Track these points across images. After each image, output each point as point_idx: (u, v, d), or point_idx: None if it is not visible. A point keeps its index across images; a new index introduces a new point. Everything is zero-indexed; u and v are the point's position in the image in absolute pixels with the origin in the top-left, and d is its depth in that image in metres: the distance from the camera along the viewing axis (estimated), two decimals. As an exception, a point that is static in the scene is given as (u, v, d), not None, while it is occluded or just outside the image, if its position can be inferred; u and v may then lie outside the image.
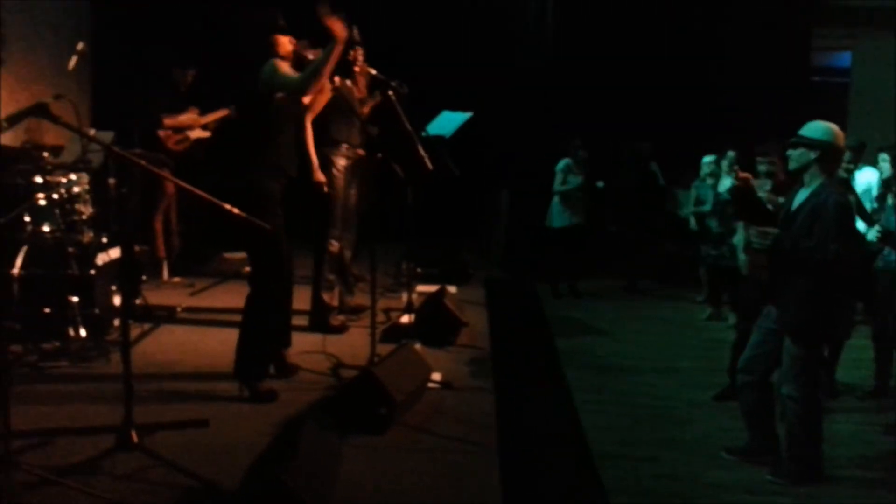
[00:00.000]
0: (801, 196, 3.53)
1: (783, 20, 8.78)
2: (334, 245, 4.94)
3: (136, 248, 5.03)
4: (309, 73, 3.65)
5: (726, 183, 6.38)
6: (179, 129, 6.06)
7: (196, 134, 6.12)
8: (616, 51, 8.59)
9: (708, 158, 7.01)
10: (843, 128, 3.60)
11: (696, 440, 4.14)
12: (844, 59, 10.08)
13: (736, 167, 3.85)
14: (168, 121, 6.01)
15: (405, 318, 4.94)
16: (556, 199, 7.54)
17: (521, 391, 4.44)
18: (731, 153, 6.67)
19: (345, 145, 4.95)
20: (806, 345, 3.48)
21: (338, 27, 3.56)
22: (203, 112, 6.12)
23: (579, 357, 5.57)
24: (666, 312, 7.20)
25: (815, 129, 3.53)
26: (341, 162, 4.93)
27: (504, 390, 4.13)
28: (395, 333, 4.77)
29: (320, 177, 4.69)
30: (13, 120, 2.66)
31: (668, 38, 8.88)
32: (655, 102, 8.52)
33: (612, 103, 8.38)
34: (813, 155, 3.48)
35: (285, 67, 3.75)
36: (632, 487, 3.56)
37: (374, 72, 4.76)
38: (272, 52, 3.79)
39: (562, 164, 7.52)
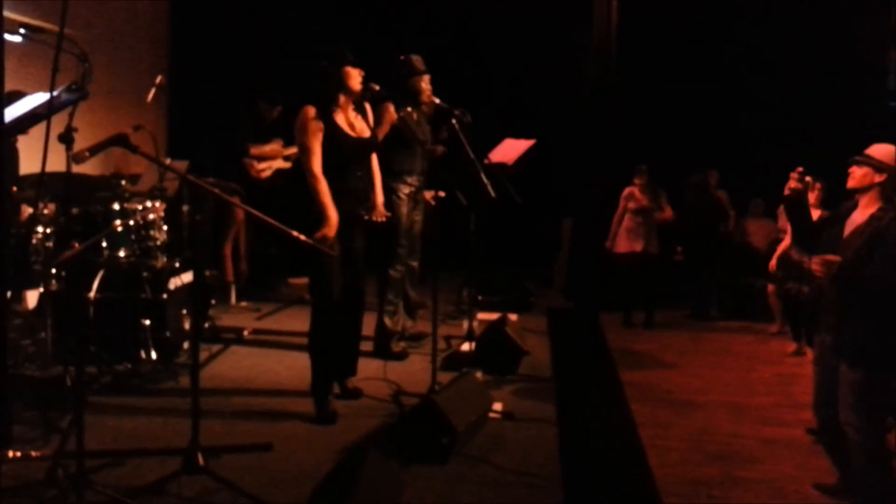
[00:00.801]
0: (857, 219, 3.42)
1: (860, 43, 8.50)
2: (398, 271, 4.98)
3: (206, 272, 5.17)
4: (313, 184, 3.73)
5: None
6: (263, 159, 6.27)
7: (278, 164, 6.32)
8: (682, 76, 8.47)
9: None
10: None
11: (769, 480, 3.95)
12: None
13: (794, 175, 3.67)
14: (254, 150, 6.23)
15: (466, 346, 4.91)
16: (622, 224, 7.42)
17: (584, 424, 4.34)
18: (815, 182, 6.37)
19: (407, 174, 5.00)
20: (866, 369, 3.33)
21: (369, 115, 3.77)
22: (287, 144, 6.31)
23: (645, 390, 5.41)
24: (737, 346, 6.95)
25: (885, 151, 3.40)
26: (404, 190, 4.97)
27: (567, 422, 4.05)
28: (456, 361, 4.74)
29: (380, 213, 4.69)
30: (95, 150, 2.77)
31: (738, 61, 8.69)
32: (725, 129, 8.34)
33: (679, 130, 8.25)
34: (878, 178, 3.37)
35: (309, 130, 3.78)
36: (700, 528, 3.42)
37: (437, 100, 4.81)
38: (342, 85, 3.87)
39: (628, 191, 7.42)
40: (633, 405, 5.01)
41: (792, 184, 3.53)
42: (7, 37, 1.94)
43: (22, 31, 2.55)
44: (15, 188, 4.02)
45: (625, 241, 7.33)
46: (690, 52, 8.62)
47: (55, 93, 1.98)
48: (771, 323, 7.24)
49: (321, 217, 3.72)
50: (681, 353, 6.55)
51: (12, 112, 1.85)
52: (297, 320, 5.74)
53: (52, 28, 2.35)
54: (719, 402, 5.25)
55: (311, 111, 3.79)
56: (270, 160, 6.31)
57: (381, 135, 4.67)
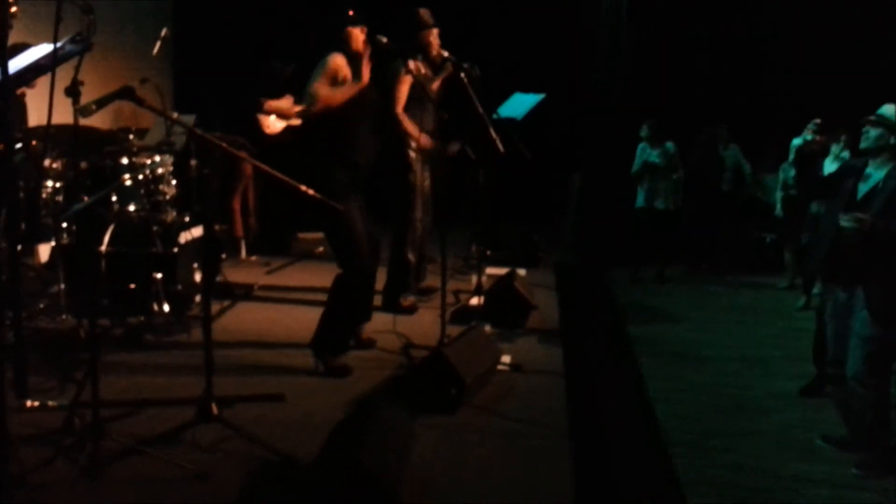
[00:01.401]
0: (876, 177, 3.40)
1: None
2: (410, 227, 4.97)
3: (216, 227, 5.19)
4: (317, 98, 3.74)
5: (830, 166, 6.08)
6: (280, 115, 6.22)
7: (291, 121, 6.27)
8: (695, 28, 8.31)
9: (798, 141, 6.72)
10: None
11: (777, 432, 4.01)
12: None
13: (812, 128, 3.63)
14: (268, 104, 6.18)
15: (474, 301, 4.94)
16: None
17: (592, 377, 4.39)
18: (843, 137, 6.29)
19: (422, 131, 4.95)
20: (884, 325, 3.35)
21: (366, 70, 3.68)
22: (298, 101, 6.24)
23: (654, 345, 5.45)
24: (747, 300, 6.97)
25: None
26: (415, 145, 4.94)
27: (574, 375, 4.09)
28: (465, 315, 4.77)
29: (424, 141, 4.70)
30: (101, 103, 2.76)
31: (753, 13, 8.49)
32: (739, 83, 8.21)
33: (691, 83, 8.13)
34: (893, 140, 3.36)
35: (336, 67, 3.77)
36: (707, 479, 3.48)
37: (446, 54, 4.74)
38: (345, 46, 3.83)
39: (639, 148, 7.36)
40: (641, 359, 5.06)
41: (809, 136, 3.51)
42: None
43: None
44: (35, 142, 4.01)
45: (644, 197, 7.30)
46: (705, 3, 8.43)
47: (59, 44, 1.96)
48: (780, 277, 7.24)
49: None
50: (689, 307, 6.59)
51: (16, 64, 1.83)
52: (307, 275, 5.78)
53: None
54: (728, 355, 5.30)
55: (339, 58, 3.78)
56: (284, 117, 6.26)
57: (401, 98, 4.64)
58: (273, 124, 6.21)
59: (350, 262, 3.81)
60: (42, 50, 1.88)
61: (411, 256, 5.00)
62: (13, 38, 1.89)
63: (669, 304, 6.66)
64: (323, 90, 3.74)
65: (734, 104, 8.21)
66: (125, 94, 2.68)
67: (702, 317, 6.32)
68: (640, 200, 7.44)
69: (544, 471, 2.94)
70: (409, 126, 4.76)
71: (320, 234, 6.08)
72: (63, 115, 3.74)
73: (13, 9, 2.23)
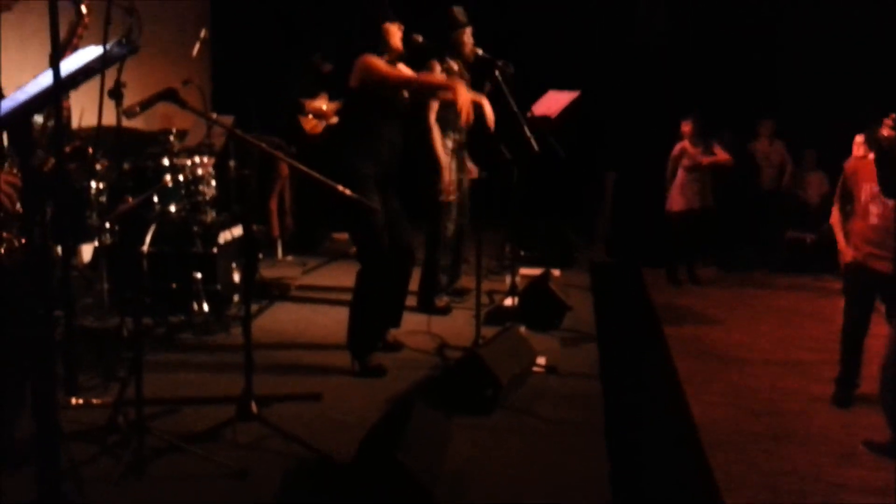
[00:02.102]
0: None
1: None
2: (445, 228, 4.98)
3: (254, 227, 5.26)
4: (412, 82, 3.82)
5: None
6: (317, 115, 6.29)
7: (330, 120, 6.34)
8: (734, 24, 8.16)
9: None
10: None
11: (817, 436, 3.92)
12: None
13: (888, 122, 3.50)
14: (309, 104, 6.25)
15: (508, 301, 4.93)
16: (675, 180, 7.28)
17: (627, 378, 4.35)
18: None
19: (451, 130, 4.96)
20: None
21: (457, 91, 3.78)
22: (333, 98, 6.32)
23: (690, 346, 5.37)
24: (787, 301, 6.84)
25: None
26: (448, 145, 4.94)
27: (610, 377, 4.06)
28: (499, 316, 4.77)
29: (445, 178, 4.73)
30: (145, 105, 2.82)
31: (792, 10, 8.32)
32: (779, 78, 8.05)
33: (730, 80, 8.00)
34: None
35: (379, 62, 3.78)
36: (744, 482, 3.42)
37: (480, 51, 4.74)
38: (382, 42, 3.84)
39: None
40: (677, 360, 4.99)
41: (885, 131, 3.40)
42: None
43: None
44: (91, 149, 4.11)
45: (680, 199, 7.18)
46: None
47: (108, 46, 2.01)
48: (818, 277, 7.09)
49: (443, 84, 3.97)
50: (726, 308, 6.48)
51: (67, 67, 1.88)
52: (343, 275, 5.81)
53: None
54: (765, 358, 5.20)
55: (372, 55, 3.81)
56: (322, 117, 6.33)
57: (434, 105, 4.65)
58: (312, 122, 6.27)
59: (368, 258, 3.83)
60: (91, 53, 1.92)
61: (442, 257, 5.01)
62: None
63: (706, 305, 6.56)
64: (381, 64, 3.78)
65: (777, 101, 8.06)
66: (168, 95, 2.73)
67: (740, 318, 6.22)
68: (676, 201, 7.33)
69: (581, 472, 2.93)
70: (438, 145, 4.74)
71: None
72: (105, 117, 3.83)
73: (84, 17, 2.27)
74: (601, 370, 4.10)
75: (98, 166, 4.51)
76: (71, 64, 1.91)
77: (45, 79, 1.87)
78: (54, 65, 1.70)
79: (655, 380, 4.66)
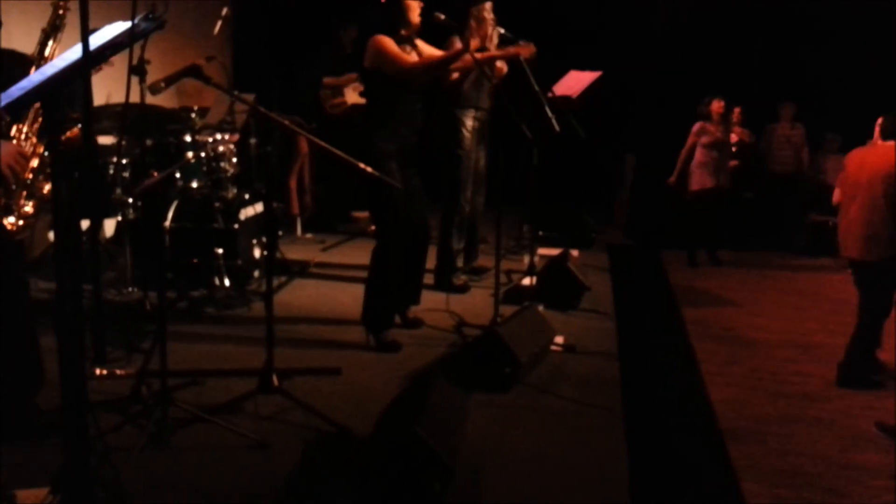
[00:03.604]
0: None
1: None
2: (463, 206, 4.99)
3: (274, 204, 5.29)
4: (421, 69, 3.78)
5: None
6: (337, 93, 6.29)
7: (353, 99, 6.34)
8: (754, 7, 8.03)
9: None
10: None
11: (835, 419, 3.91)
12: None
13: None
14: (328, 80, 6.25)
15: (527, 281, 4.94)
16: (693, 160, 7.21)
17: (645, 359, 4.36)
18: None
19: (474, 108, 4.95)
20: None
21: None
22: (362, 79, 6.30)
23: (708, 328, 5.36)
24: (805, 284, 6.79)
25: None
26: (469, 123, 4.94)
27: (628, 357, 4.07)
28: (517, 295, 4.78)
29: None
30: (170, 81, 2.84)
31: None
32: (798, 62, 7.93)
33: (750, 63, 7.89)
34: None
35: (390, 46, 3.77)
36: (761, 464, 3.43)
37: (502, 30, 4.71)
38: (401, 18, 3.83)
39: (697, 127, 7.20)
40: (695, 342, 4.99)
41: None
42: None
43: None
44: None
45: (698, 177, 7.12)
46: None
47: (135, 20, 2.03)
48: (839, 260, 7.03)
49: (446, 61, 3.94)
50: (745, 290, 6.45)
51: (95, 41, 1.90)
52: (361, 253, 5.83)
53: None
54: (783, 340, 5.19)
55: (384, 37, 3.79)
56: (344, 96, 6.33)
57: (453, 74, 4.62)
58: (347, 98, 6.24)
59: (385, 232, 3.86)
60: (118, 27, 1.94)
61: (458, 236, 5.02)
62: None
63: (725, 288, 6.53)
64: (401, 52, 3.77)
65: (797, 83, 7.94)
66: (192, 72, 2.75)
67: (759, 300, 6.19)
68: (695, 181, 7.26)
69: (598, 451, 2.95)
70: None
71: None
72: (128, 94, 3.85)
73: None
74: (619, 350, 4.10)
75: (122, 142, 4.55)
76: (99, 38, 1.93)
77: (73, 53, 1.89)
78: (84, 38, 1.72)
79: (673, 361, 4.66)
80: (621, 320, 4.71)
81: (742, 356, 4.85)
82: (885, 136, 4.22)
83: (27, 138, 2.43)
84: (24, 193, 2.35)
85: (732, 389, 4.26)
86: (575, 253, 5.59)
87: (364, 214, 6.80)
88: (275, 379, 3.08)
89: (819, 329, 5.47)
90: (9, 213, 2.32)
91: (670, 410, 3.91)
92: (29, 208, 2.39)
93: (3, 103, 1.80)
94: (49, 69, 1.89)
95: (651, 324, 5.31)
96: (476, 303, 4.75)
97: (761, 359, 4.81)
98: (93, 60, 1.89)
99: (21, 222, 2.37)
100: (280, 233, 5.58)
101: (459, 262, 5.16)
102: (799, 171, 8.02)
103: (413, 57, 3.86)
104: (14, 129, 2.42)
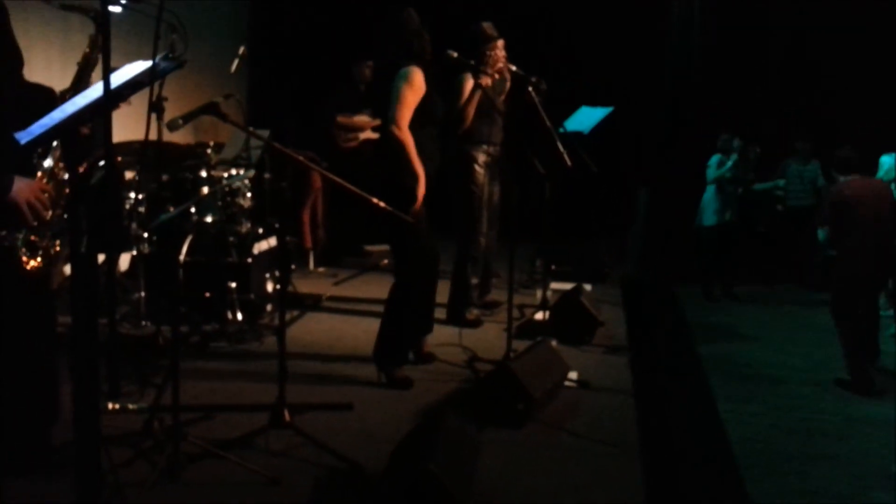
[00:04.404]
0: None
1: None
2: (477, 241, 4.99)
3: (287, 238, 5.32)
4: (405, 153, 3.72)
5: None
6: (351, 129, 6.37)
7: (366, 135, 6.42)
8: (769, 40, 8.09)
9: (888, 158, 6.25)
10: None
11: (854, 458, 3.84)
12: None
13: None
14: (341, 119, 6.33)
15: (539, 315, 4.92)
16: (707, 194, 7.21)
17: (661, 395, 4.30)
18: None
19: (485, 143, 4.98)
20: None
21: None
22: (376, 115, 6.38)
23: (723, 364, 5.31)
24: (821, 320, 6.71)
25: None
26: (482, 159, 4.96)
27: (643, 393, 4.02)
28: (530, 330, 4.76)
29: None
30: (188, 118, 2.88)
31: (829, 25, 8.21)
32: (813, 96, 7.96)
33: (768, 99, 7.93)
34: None
35: (416, 80, 3.75)
36: (780, 503, 3.37)
37: (514, 67, 4.76)
38: (411, 51, 3.84)
39: (714, 159, 7.21)
40: (711, 378, 4.93)
41: None
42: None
43: (122, 2, 2.68)
44: (119, 158, 4.20)
45: (711, 213, 7.14)
46: (776, 14, 8.22)
47: (156, 60, 2.07)
48: None
49: (413, 174, 3.71)
50: (760, 326, 6.39)
51: (116, 80, 1.94)
52: (373, 287, 5.86)
53: (149, -1, 2.46)
54: (803, 377, 5.12)
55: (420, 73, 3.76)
56: (358, 131, 6.41)
57: (470, 109, 4.65)
58: (345, 137, 6.33)
59: (406, 271, 3.84)
60: (139, 67, 1.98)
61: (473, 271, 5.01)
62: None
63: (741, 323, 6.48)
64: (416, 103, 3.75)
65: (807, 117, 7.96)
66: (210, 109, 2.79)
67: (775, 336, 6.12)
68: (709, 216, 7.25)
69: (614, 490, 2.90)
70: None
71: (386, 247, 6.17)
72: (144, 130, 3.91)
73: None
74: (634, 387, 4.06)
75: (137, 177, 4.61)
76: (120, 77, 1.97)
77: (94, 91, 1.93)
78: (105, 78, 1.76)
79: (689, 397, 4.60)
80: (636, 356, 4.67)
81: (759, 393, 4.79)
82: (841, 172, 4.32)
83: (53, 177, 2.43)
84: (50, 233, 2.36)
85: (749, 426, 4.20)
86: (588, 287, 5.56)
87: (377, 248, 6.82)
88: (286, 414, 3.06)
89: (836, 365, 5.40)
90: (34, 250, 2.34)
91: (687, 448, 3.86)
92: (56, 247, 2.40)
93: (24, 141, 1.83)
94: (69, 107, 1.93)
95: (666, 359, 5.25)
96: (488, 337, 4.72)
97: (780, 396, 4.75)
98: (113, 99, 1.93)
99: (46, 260, 2.37)
100: (293, 267, 5.60)
101: (473, 297, 5.14)
102: (814, 206, 7.99)
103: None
104: (52, 162, 2.41)
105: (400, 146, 3.72)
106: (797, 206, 8.04)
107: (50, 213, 2.32)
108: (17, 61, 2.43)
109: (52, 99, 2.31)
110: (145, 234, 4.63)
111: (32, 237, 2.33)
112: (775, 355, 5.64)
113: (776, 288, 7.66)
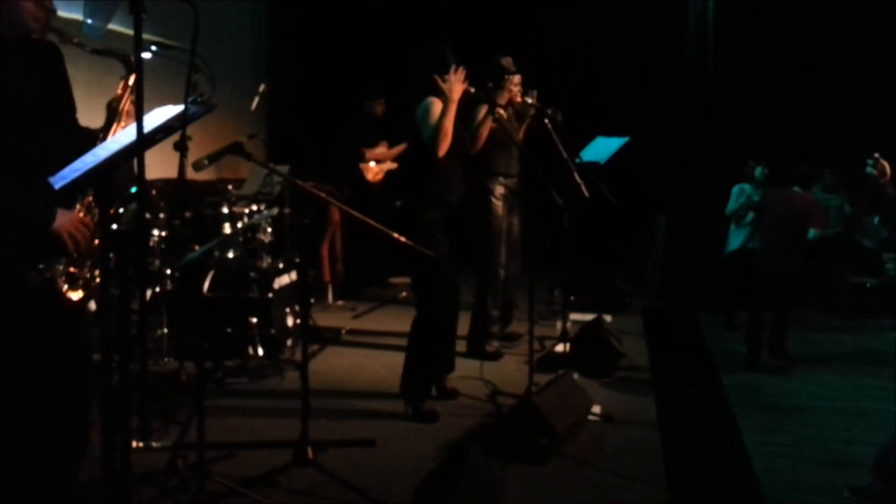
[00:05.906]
0: None
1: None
2: (497, 274, 4.99)
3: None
4: (433, 134, 3.76)
5: None
6: (379, 161, 6.47)
7: (388, 166, 6.50)
8: (787, 65, 8.09)
9: None
10: None
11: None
12: None
13: (876, 155, 3.60)
14: (368, 153, 6.43)
15: (560, 347, 4.89)
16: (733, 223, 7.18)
17: (686, 428, 4.24)
18: None
19: (503, 175, 5.01)
20: None
21: (453, 88, 3.72)
22: (391, 145, 6.48)
23: (748, 394, 5.22)
24: (849, 348, 6.61)
25: None
26: (499, 191, 4.98)
27: (668, 426, 3.97)
28: (551, 362, 4.72)
29: None
30: (213, 158, 2.93)
31: (848, 48, 8.20)
32: (832, 119, 7.93)
33: (779, 123, 7.92)
34: None
35: (436, 110, 3.81)
36: (812, 538, 3.29)
37: (530, 100, 4.80)
38: (438, 86, 3.90)
39: (735, 190, 7.19)
40: (736, 409, 4.85)
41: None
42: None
43: (153, 48, 2.74)
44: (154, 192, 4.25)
45: (734, 240, 7.09)
46: (790, 38, 8.24)
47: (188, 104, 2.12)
48: (880, 322, 6.86)
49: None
50: (784, 354, 6.29)
51: (148, 124, 1.98)
52: (392, 319, 5.86)
53: (177, 45, 2.52)
54: (830, 407, 5.02)
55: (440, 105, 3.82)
56: (382, 163, 6.50)
57: (481, 140, 4.68)
58: (374, 170, 6.43)
59: (428, 304, 3.85)
60: (170, 111, 2.03)
61: (494, 303, 5.00)
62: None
63: (765, 352, 6.39)
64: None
65: (828, 140, 7.92)
66: (235, 149, 2.83)
67: (802, 365, 6.03)
68: (734, 243, 7.21)
69: (641, 526, 2.85)
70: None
71: (406, 280, 6.19)
72: (168, 169, 3.98)
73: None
74: (658, 419, 4.01)
75: (161, 215, 4.67)
76: (151, 121, 2.01)
77: (126, 136, 1.97)
78: (138, 123, 1.79)
79: (715, 429, 4.53)
80: (659, 387, 4.61)
81: (786, 424, 4.70)
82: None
83: (90, 210, 2.46)
84: (90, 263, 2.37)
85: (777, 459, 4.11)
86: (608, 318, 5.53)
87: (396, 281, 6.83)
88: (309, 451, 3.05)
89: (869, 396, 5.29)
90: (74, 281, 2.36)
91: (713, 481, 3.79)
92: (97, 278, 2.41)
93: (58, 186, 1.87)
94: (102, 152, 1.97)
95: (690, 390, 5.19)
96: (509, 370, 4.69)
97: (807, 427, 4.66)
98: (144, 143, 1.97)
99: (86, 292, 2.38)
100: (312, 300, 5.62)
101: (494, 329, 5.13)
102: (838, 233, 7.93)
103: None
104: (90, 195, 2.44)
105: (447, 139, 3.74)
106: (823, 235, 7.97)
107: (90, 243, 2.34)
108: (71, 108, 2.49)
109: (93, 141, 2.34)
110: (168, 271, 4.68)
111: (71, 269, 2.36)
112: (801, 385, 5.54)
113: (800, 315, 7.56)
